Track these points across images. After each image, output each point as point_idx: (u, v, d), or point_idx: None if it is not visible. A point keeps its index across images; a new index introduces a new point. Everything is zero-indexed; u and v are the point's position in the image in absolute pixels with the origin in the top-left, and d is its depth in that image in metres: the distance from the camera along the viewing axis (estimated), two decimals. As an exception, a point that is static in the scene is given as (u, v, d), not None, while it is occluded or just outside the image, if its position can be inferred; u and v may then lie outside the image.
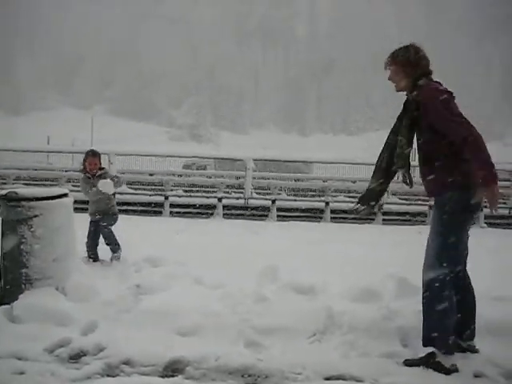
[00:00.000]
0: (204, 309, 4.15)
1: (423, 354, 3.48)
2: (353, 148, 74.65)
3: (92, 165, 6.10)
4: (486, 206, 3.43)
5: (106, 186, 5.82)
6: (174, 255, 5.88)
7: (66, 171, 15.13)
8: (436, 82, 3.54)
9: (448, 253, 3.41)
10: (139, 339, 3.70)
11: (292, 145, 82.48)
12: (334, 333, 3.91)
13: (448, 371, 3.34)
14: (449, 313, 3.41)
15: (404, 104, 3.64)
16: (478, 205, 3.41)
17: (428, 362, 3.42)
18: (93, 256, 5.99)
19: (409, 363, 3.47)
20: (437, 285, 3.41)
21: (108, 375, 3.26)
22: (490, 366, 3.42)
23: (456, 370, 3.35)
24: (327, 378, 3.29)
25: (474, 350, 3.61)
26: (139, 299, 4.42)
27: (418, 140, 3.59)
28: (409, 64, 3.52)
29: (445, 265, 3.41)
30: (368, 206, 3.81)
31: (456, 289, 3.53)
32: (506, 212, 14.57)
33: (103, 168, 6.24)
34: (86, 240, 6.04)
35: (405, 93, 3.63)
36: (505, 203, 15.16)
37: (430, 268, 3.45)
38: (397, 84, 3.62)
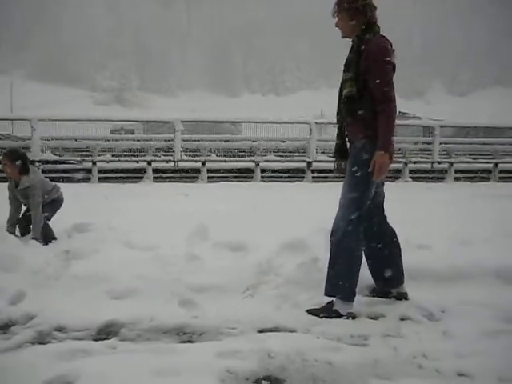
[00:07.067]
0: (136, 271, 4.11)
1: (324, 304, 3.60)
2: (282, 108, 75.18)
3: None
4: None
5: None
6: (104, 220, 5.77)
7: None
8: (382, 36, 3.51)
9: (355, 203, 3.49)
10: (70, 305, 3.64)
11: (221, 106, 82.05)
12: (266, 287, 3.99)
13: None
14: (352, 262, 3.53)
15: (350, 51, 3.59)
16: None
17: (326, 310, 3.54)
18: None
19: (310, 312, 3.57)
20: (342, 235, 3.50)
21: (39, 343, 3.18)
22: (414, 310, 3.59)
23: (353, 318, 3.49)
24: (261, 331, 3.35)
25: (404, 297, 3.77)
26: (69, 265, 4.32)
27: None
28: (355, 11, 3.47)
29: (352, 216, 3.49)
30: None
31: (374, 237, 3.71)
32: (428, 166, 15.19)
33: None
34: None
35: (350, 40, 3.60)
36: (427, 158, 15.80)
37: (339, 218, 3.55)
38: (342, 30, 3.59)
